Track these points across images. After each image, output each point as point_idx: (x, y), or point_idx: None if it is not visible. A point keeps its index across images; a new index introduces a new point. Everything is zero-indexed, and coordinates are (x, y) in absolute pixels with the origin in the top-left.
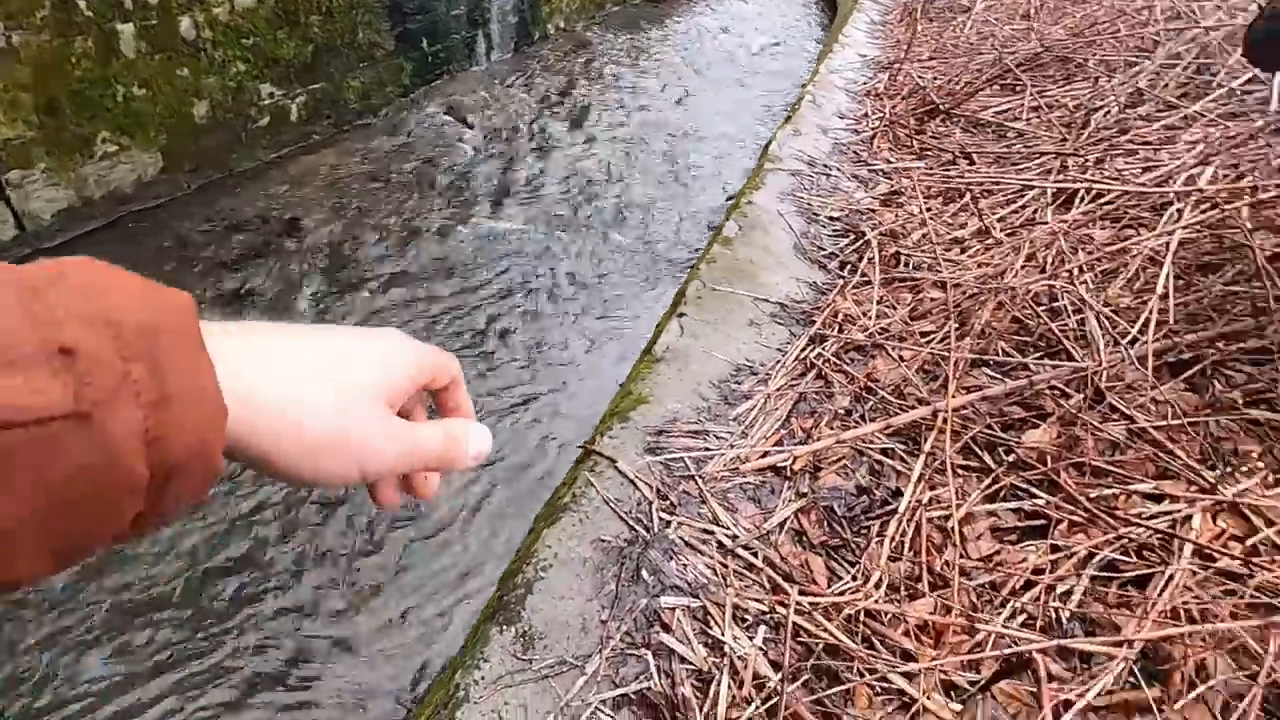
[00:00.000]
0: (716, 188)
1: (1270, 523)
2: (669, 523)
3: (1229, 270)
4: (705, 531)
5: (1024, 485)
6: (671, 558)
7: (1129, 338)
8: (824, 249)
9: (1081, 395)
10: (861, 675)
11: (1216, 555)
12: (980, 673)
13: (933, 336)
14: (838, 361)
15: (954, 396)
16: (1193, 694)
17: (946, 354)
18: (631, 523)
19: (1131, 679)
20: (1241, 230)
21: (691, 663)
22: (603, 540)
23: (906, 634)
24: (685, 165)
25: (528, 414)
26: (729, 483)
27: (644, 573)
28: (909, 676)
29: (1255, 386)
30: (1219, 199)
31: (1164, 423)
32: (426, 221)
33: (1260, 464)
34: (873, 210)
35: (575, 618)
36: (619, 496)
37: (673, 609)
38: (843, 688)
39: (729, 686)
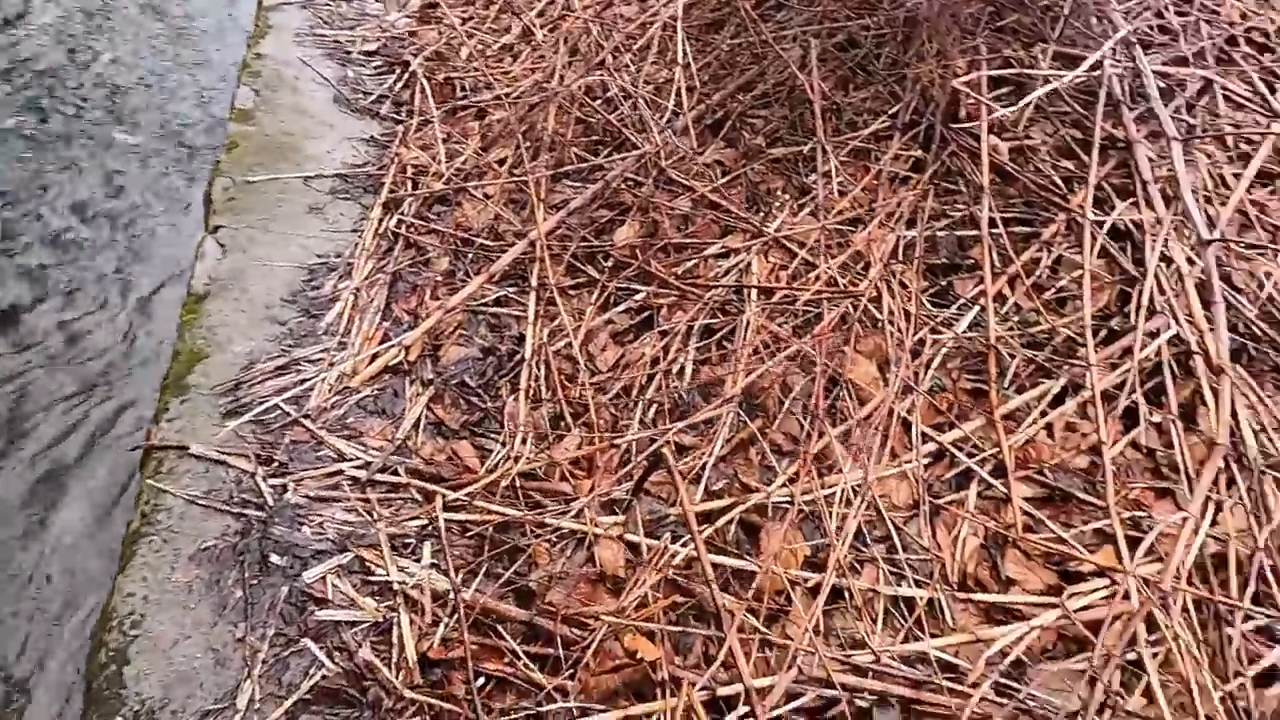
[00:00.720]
0: (235, 36)
1: (802, 245)
2: (285, 487)
3: (730, 25)
4: (332, 475)
5: (626, 285)
6: (301, 525)
7: (669, 113)
8: (370, 93)
9: (650, 180)
10: (536, 536)
11: (773, 290)
12: (632, 479)
13: (509, 162)
14: (423, 222)
15: (544, 220)
16: (783, 411)
17: (527, 178)
18: (237, 509)
19: (741, 422)
20: None
21: (363, 621)
22: (205, 548)
23: (563, 477)
24: (182, 15)
25: (75, 419)
26: (343, 407)
27: (273, 557)
28: (576, 515)
29: (771, 128)
30: None
31: (715, 184)
32: None
33: (786, 196)
34: (412, 33)
35: (203, 655)
36: (209, 487)
37: (322, 578)
38: (524, 557)
39: (411, 622)
